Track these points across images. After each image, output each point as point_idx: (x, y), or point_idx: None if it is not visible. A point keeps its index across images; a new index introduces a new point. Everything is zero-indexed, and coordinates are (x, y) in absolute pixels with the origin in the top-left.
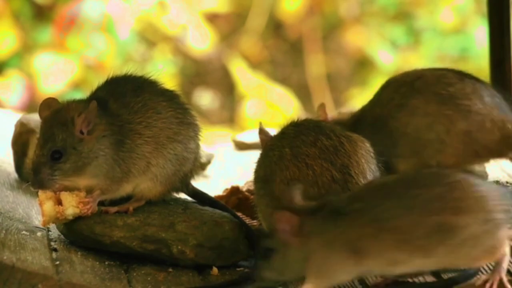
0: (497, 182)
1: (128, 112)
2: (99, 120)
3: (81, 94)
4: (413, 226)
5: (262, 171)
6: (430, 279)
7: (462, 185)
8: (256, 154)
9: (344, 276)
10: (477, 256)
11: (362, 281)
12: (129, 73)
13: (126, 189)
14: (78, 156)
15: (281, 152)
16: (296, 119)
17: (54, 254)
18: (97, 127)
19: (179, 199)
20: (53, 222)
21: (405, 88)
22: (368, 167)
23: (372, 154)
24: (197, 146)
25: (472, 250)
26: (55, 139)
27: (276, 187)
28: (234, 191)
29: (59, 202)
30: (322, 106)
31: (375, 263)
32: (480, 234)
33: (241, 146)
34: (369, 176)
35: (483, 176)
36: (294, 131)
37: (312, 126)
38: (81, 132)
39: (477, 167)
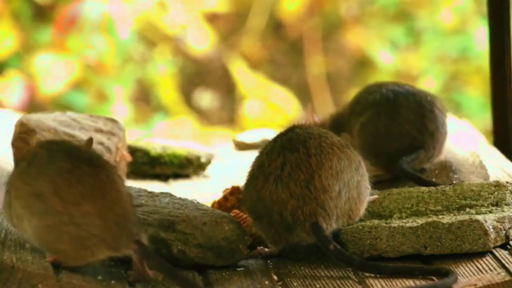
0: (497, 182)
1: None
2: None
3: (81, 94)
4: None
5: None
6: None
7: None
8: (256, 154)
9: None
10: None
11: (362, 281)
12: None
13: None
14: None
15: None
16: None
17: None
18: None
19: (178, 198)
20: None
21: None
22: (335, 180)
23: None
24: None
25: None
26: None
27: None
28: (234, 191)
29: None
30: (310, 108)
31: None
32: None
33: (241, 146)
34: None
35: (484, 176)
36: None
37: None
38: None
39: (478, 169)
